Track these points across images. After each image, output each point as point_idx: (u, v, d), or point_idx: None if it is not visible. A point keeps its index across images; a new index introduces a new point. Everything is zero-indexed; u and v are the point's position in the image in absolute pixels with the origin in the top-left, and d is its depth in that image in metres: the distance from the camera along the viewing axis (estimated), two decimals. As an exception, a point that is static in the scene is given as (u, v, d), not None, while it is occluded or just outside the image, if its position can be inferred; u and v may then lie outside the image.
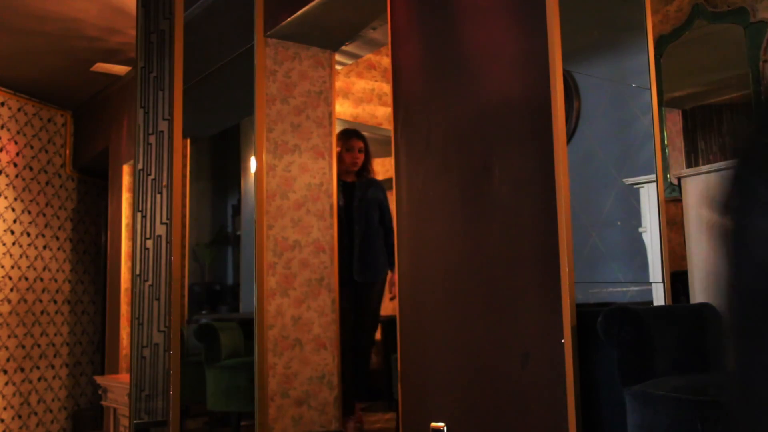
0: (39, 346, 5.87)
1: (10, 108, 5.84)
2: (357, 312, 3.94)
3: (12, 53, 5.07)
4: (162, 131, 2.90)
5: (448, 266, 2.62)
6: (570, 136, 2.63)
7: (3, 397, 5.55)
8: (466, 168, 2.63)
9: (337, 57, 4.10)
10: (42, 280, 5.94)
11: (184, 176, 2.80)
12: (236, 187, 4.95)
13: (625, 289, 2.81)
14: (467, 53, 2.69)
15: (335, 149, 3.91)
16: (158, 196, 2.86)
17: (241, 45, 3.67)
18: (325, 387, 3.67)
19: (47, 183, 6.10)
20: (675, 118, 3.95)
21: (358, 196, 3.99)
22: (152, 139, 2.91)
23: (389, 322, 3.96)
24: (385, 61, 4.74)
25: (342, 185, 3.98)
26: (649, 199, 2.82)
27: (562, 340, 2.15)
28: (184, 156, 3.79)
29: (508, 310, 2.45)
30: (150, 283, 2.79)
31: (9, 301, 5.66)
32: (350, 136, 4.08)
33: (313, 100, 3.87)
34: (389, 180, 3.08)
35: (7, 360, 5.60)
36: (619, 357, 2.07)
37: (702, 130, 3.88)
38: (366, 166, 4.09)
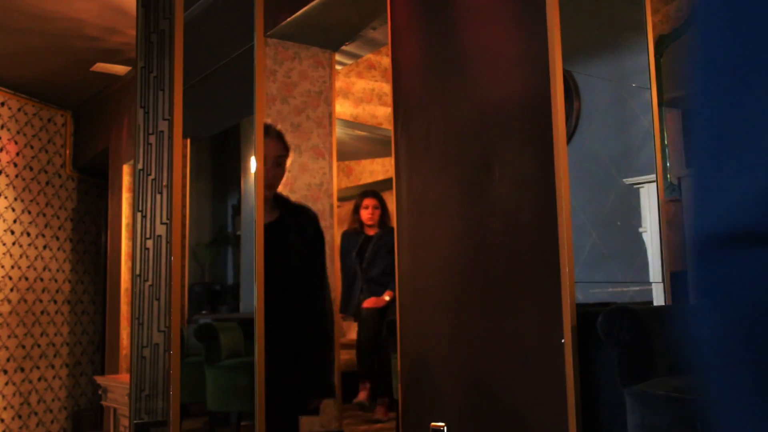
0: (39, 346, 5.86)
1: (10, 108, 5.84)
2: None
3: (12, 53, 5.07)
4: (162, 131, 2.90)
5: (448, 266, 2.62)
6: (570, 136, 2.63)
7: (3, 397, 5.55)
8: (466, 168, 2.63)
9: (337, 57, 4.10)
10: (42, 280, 5.94)
11: (184, 176, 2.80)
12: (236, 187, 4.94)
13: (625, 289, 2.81)
14: (467, 53, 2.69)
15: (335, 150, 3.92)
16: (158, 196, 2.85)
17: (241, 45, 3.67)
18: (325, 387, 3.67)
19: (47, 183, 6.10)
20: (675, 118, 3.94)
21: (373, 245, 4.51)
22: (152, 139, 2.91)
23: (390, 322, 3.97)
24: (385, 61, 4.74)
25: (363, 237, 4.56)
26: (649, 199, 2.82)
27: (562, 340, 2.15)
28: (184, 156, 3.80)
29: (508, 310, 2.45)
30: (150, 283, 2.79)
31: (9, 301, 5.66)
32: (365, 195, 4.66)
33: (313, 100, 3.87)
34: (389, 180, 3.07)
35: (7, 360, 5.60)
36: (619, 357, 2.07)
37: (702, 130, 3.87)
38: (384, 220, 4.61)
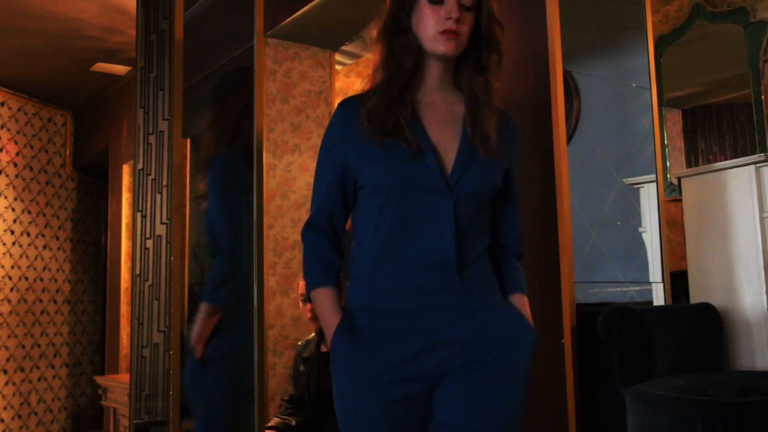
0: (39, 346, 5.87)
1: (10, 108, 5.84)
2: None
3: (12, 53, 5.07)
4: (162, 131, 2.90)
5: (448, 266, 2.62)
6: (570, 136, 2.63)
7: (3, 397, 5.55)
8: (466, 168, 2.62)
9: (337, 57, 4.10)
10: (42, 280, 5.94)
11: (184, 176, 2.80)
12: (236, 187, 4.93)
13: (625, 289, 2.81)
14: (467, 53, 2.68)
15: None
16: (158, 196, 2.86)
17: (241, 45, 3.67)
18: (325, 387, 3.67)
19: (47, 183, 6.10)
20: (675, 118, 3.94)
21: None
22: (152, 139, 2.91)
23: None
24: (385, 61, 4.73)
25: None
26: (649, 199, 2.82)
27: (562, 340, 2.15)
28: (184, 156, 3.80)
29: (508, 310, 2.44)
30: (150, 283, 2.79)
31: (9, 301, 5.66)
32: None
33: (313, 100, 3.87)
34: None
35: (7, 360, 5.60)
36: (619, 357, 2.07)
37: (702, 130, 3.88)
38: None
